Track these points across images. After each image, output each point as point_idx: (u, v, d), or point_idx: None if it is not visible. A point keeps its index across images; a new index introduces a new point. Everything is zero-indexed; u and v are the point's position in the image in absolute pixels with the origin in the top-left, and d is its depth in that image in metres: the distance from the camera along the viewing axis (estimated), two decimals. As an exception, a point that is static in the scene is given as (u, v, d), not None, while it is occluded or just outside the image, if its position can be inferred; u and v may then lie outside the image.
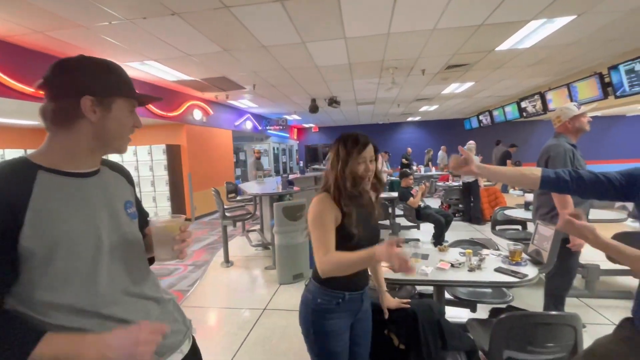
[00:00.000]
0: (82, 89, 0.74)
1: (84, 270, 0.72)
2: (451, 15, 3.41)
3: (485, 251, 2.14)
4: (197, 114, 7.26)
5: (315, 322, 1.25)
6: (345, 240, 1.21)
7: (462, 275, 1.81)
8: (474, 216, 5.94)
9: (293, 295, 3.28)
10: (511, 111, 8.43)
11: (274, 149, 12.23)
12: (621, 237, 2.63)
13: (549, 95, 6.64)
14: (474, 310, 2.28)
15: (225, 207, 4.38)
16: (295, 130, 15.51)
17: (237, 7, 3.05)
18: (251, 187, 5.00)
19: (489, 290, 2.26)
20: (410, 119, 13.65)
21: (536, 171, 1.22)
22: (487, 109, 9.94)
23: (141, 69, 4.85)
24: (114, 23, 3.27)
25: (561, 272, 2.08)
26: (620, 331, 1.14)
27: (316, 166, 10.31)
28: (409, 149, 11.43)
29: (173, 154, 6.87)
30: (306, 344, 1.32)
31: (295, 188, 4.33)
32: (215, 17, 3.24)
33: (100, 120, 0.76)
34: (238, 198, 5.95)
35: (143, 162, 6.74)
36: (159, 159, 6.69)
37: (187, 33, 3.58)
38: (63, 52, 4.10)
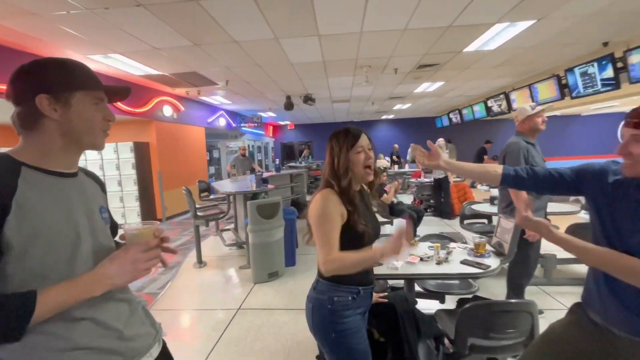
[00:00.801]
0: (36, 89, 0.74)
1: (60, 267, 0.72)
2: (421, 16, 3.50)
3: (452, 244, 2.23)
4: (167, 110, 7.00)
5: (335, 322, 1.20)
6: (355, 240, 1.20)
7: (431, 268, 1.88)
8: (444, 211, 6.17)
9: (268, 294, 3.27)
10: (479, 110, 8.81)
11: (249, 146, 12.05)
12: (575, 227, 2.84)
13: (513, 95, 7.00)
14: (442, 301, 2.37)
15: (197, 206, 4.27)
16: (271, 127, 15.35)
17: (207, 0, 2.97)
18: (224, 186, 4.91)
19: (456, 281, 2.36)
20: (384, 117, 13.91)
21: (498, 168, 1.31)
22: (457, 108, 10.32)
23: (104, 62, 4.60)
24: (73, 13, 3.07)
25: (520, 261, 2.22)
26: (570, 315, 1.24)
27: (292, 164, 10.28)
28: (396, 146, 11.70)
29: (141, 152, 6.59)
30: (325, 349, 1.25)
31: (270, 186, 4.30)
32: (184, 10, 3.13)
33: (63, 117, 0.76)
34: (211, 197, 5.82)
35: (109, 160, 6.41)
36: (127, 157, 6.39)
37: (154, 26, 3.44)
38: (22, 44, 3.84)
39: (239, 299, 3.18)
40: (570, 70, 5.07)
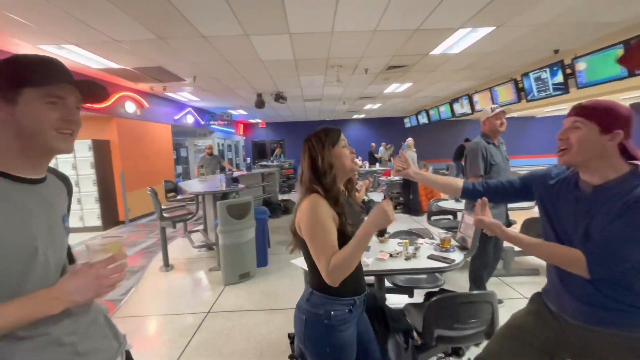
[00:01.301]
0: None
1: (10, 282, 0.66)
2: (390, 18, 3.59)
3: (420, 240, 2.31)
4: (130, 107, 6.63)
5: (332, 337, 1.15)
6: (345, 243, 1.13)
7: (400, 264, 1.93)
8: (412, 208, 6.38)
9: (239, 295, 3.21)
10: (445, 111, 9.20)
11: (218, 144, 11.73)
12: (529, 221, 3.05)
13: (476, 98, 7.39)
14: (411, 295, 2.45)
15: (163, 207, 4.09)
16: (241, 125, 15.05)
17: (172, -7, 2.85)
18: (193, 186, 4.74)
19: (424, 276, 2.45)
20: (355, 116, 14.12)
21: (459, 182, 1.46)
22: (424, 108, 10.71)
23: (58, 54, 4.27)
24: (20, -2, 2.82)
25: (480, 255, 2.34)
26: (531, 304, 1.33)
27: (264, 162, 10.14)
28: (373, 144, 11.89)
29: (101, 151, 6.19)
30: None
31: (241, 185, 4.21)
32: (148, 2, 2.98)
33: (11, 117, 0.70)
34: (178, 197, 5.60)
35: (64, 160, 5.96)
36: (85, 156, 5.98)
37: (113, 16, 3.24)
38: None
39: (208, 302, 3.09)
40: (526, 75, 5.44)
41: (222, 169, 6.59)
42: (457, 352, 2.07)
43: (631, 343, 1.00)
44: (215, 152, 9.34)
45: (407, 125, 12.99)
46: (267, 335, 2.49)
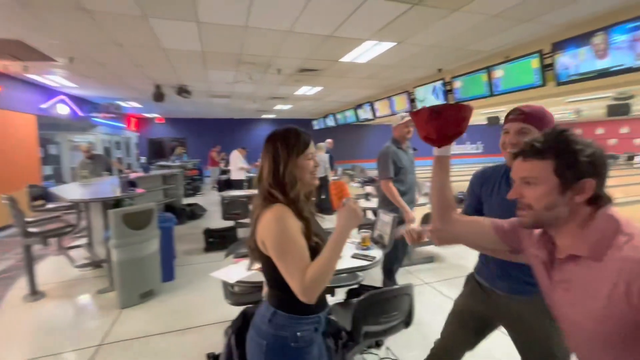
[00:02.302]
0: None
1: None
2: (306, 21, 3.62)
3: (342, 240, 2.39)
4: (-31, 88, 5.03)
5: None
6: (311, 257, 1.03)
7: (326, 265, 1.95)
8: (324, 207, 6.63)
9: (141, 319, 2.75)
10: (350, 115, 9.88)
11: (103, 141, 9.92)
12: (427, 216, 3.49)
13: (377, 105, 8.15)
14: (332, 294, 2.51)
15: (27, 219, 3.22)
16: (134, 120, 13.13)
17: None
18: (71, 192, 3.88)
19: (344, 274, 2.54)
20: (265, 116, 13.92)
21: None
22: (332, 112, 11.28)
23: None
24: None
25: (392, 249, 2.56)
26: (465, 287, 1.51)
27: (164, 163, 9.07)
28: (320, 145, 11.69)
29: None
30: None
31: (139, 190, 3.63)
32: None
33: None
34: (49, 206, 4.49)
35: None
36: None
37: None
38: None
39: (99, 333, 2.55)
40: (417, 87, 6.27)
41: (109, 170, 5.55)
42: (378, 343, 2.22)
43: (541, 305, 1.02)
44: (99, 151, 7.87)
45: (316, 127, 13.49)
46: (181, 360, 2.20)
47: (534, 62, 4.03)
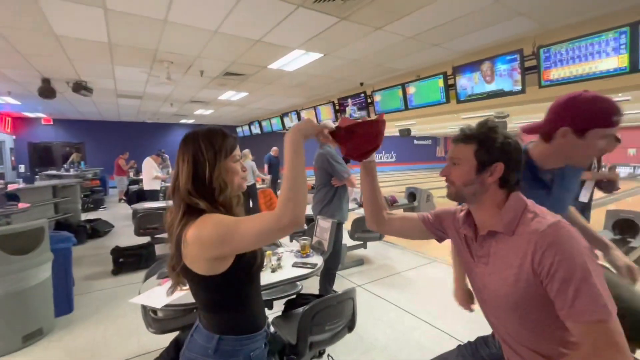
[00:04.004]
0: None
1: None
2: (234, 22, 3.47)
3: (279, 249, 2.30)
4: None
5: None
6: (246, 268, 0.96)
7: (268, 277, 1.85)
8: (253, 217, 6.39)
9: (25, 367, 2.18)
10: (276, 123, 9.83)
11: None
12: (357, 220, 3.65)
13: (303, 114, 8.28)
14: (270, 307, 2.40)
15: None
16: (9, 119, 10.71)
17: None
18: None
19: (285, 284, 2.45)
20: (183, 120, 12.89)
21: None
22: (257, 119, 11.04)
23: None
24: None
25: (333, 254, 2.59)
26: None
27: (53, 172, 7.58)
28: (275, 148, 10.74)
29: None
30: None
31: (22, 204, 2.92)
32: None
33: None
34: None
35: None
36: None
37: None
38: None
39: (-41, 395, 1.93)
40: (342, 99, 6.59)
41: None
42: (320, 352, 2.18)
43: None
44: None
45: (240, 134, 13.03)
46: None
47: (440, 82, 4.63)
